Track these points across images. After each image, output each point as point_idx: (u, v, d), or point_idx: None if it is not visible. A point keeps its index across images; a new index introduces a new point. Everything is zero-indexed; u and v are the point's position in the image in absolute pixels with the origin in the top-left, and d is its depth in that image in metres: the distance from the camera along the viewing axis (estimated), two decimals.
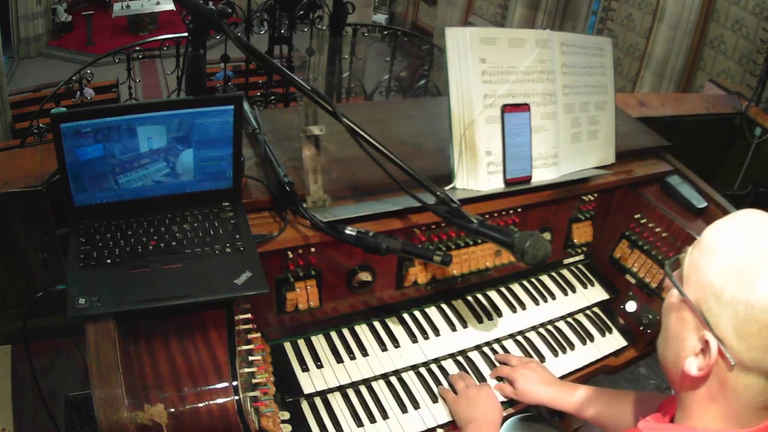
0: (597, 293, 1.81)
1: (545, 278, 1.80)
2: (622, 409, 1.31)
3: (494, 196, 1.55)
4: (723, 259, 0.82)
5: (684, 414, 0.90)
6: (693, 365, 0.84)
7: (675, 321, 0.89)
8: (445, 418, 1.41)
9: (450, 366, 1.54)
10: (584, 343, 1.69)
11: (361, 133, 1.31)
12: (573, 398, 1.40)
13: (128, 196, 1.27)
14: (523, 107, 1.56)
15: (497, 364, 1.55)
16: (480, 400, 1.38)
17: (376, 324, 1.56)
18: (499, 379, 1.51)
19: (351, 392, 1.43)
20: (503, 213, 1.61)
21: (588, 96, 1.71)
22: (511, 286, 1.75)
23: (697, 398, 0.87)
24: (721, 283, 0.81)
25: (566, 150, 1.66)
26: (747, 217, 0.86)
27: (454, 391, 1.44)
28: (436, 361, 1.54)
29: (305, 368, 1.42)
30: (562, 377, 1.58)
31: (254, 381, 1.21)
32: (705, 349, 0.83)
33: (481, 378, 1.51)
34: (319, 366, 1.43)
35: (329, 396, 1.41)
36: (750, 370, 0.80)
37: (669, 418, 0.96)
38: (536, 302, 1.72)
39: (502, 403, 1.46)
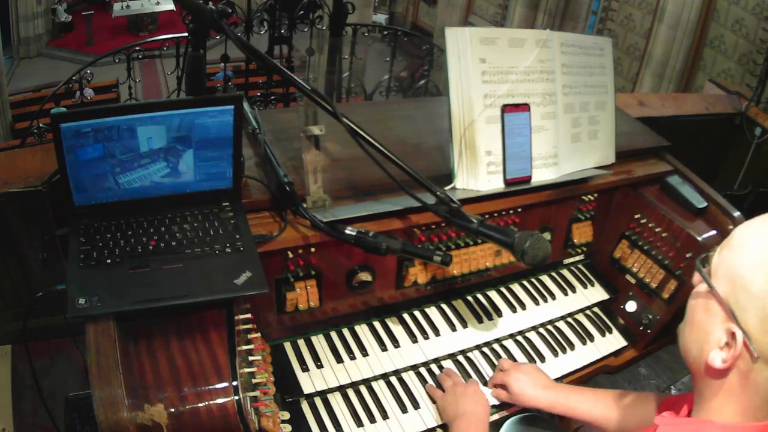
0: (597, 293, 1.81)
1: (545, 278, 1.80)
2: (621, 410, 1.31)
3: (494, 196, 1.55)
4: (752, 254, 0.85)
5: (702, 407, 0.92)
6: (717, 357, 0.86)
7: (701, 313, 0.90)
8: None
9: (450, 366, 1.54)
10: (584, 343, 1.69)
11: (361, 133, 1.31)
12: (570, 401, 1.39)
13: (128, 196, 1.27)
14: (523, 107, 1.56)
15: (497, 364, 1.55)
16: (467, 396, 1.38)
17: (376, 324, 1.56)
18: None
19: (351, 392, 1.43)
20: (503, 213, 1.61)
21: (588, 96, 1.71)
22: (511, 286, 1.75)
23: (717, 391, 0.89)
24: (750, 275, 0.83)
25: (566, 150, 1.66)
26: None
27: (442, 390, 1.44)
28: (436, 361, 1.54)
29: (305, 368, 1.42)
30: (562, 377, 1.58)
31: (254, 381, 1.21)
32: (730, 341, 0.85)
33: (482, 379, 1.51)
34: (319, 366, 1.43)
35: (329, 396, 1.41)
36: None
37: (687, 412, 0.97)
38: (536, 302, 1.72)
39: (500, 405, 1.46)
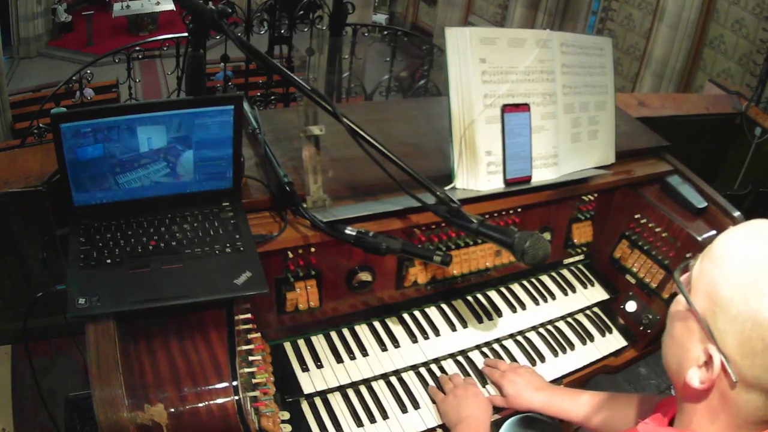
0: (597, 293, 1.81)
1: (545, 278, 1.80)
2: (616, 412, 1.30)
3: (494, 196, 1.55)
4: (732, 272, 0.80)
5: (684, 421, 0.89)
6: (695, 377, 0.83)
7: (680, 329, 0.86)
8: None
9: (450, 366, 1.54)
10: (584, 343, 1.69)
11: (361, 133, 1.31)
12: (564, 403, 1.39)
13: (128, 196, 1.27)
14: (523, 107, 1.56)
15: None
16: (468, 399, 1.38)
17: (376, 324, 1.56)
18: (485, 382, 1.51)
19: (351, 392, 1.43)
20: (503, 213, 1.61)
21: (588, 96, 1.71)
22: (511, 286, 1.75)
23: (698, 409, 0.86)
24: (730, 296, 0.79)
25: (566, 150, 1.66)
26: (760, 228, 0.84)
27: (443, 392, 1.44)
28: (436, 361, 1.53)
29: (305, 368, 1.42)
30: (562, 377, 1.58)
31: (254, 381, 1.21)
32: (708, 362, 0.81)
33: (482, 379, 1.51)
34: (319, 366, 1.43)
35: (329, 396, 1.41)
36: (752, 387, 0.79)
37: (669, 419, 0.95)
38: (536, 302, 1.72)
39: (498, 407, 1.46)
